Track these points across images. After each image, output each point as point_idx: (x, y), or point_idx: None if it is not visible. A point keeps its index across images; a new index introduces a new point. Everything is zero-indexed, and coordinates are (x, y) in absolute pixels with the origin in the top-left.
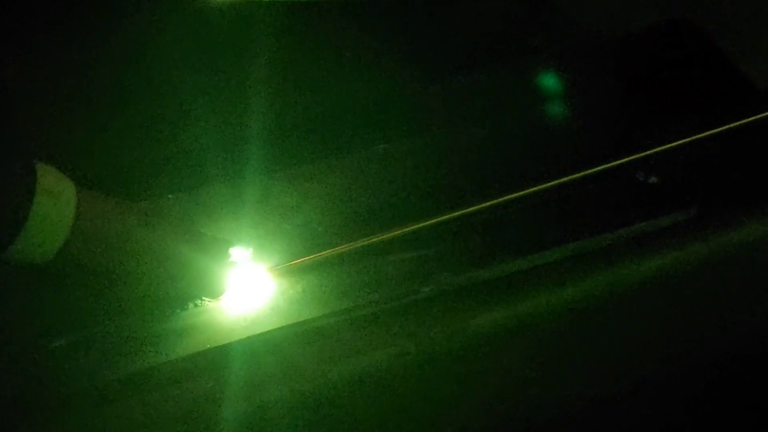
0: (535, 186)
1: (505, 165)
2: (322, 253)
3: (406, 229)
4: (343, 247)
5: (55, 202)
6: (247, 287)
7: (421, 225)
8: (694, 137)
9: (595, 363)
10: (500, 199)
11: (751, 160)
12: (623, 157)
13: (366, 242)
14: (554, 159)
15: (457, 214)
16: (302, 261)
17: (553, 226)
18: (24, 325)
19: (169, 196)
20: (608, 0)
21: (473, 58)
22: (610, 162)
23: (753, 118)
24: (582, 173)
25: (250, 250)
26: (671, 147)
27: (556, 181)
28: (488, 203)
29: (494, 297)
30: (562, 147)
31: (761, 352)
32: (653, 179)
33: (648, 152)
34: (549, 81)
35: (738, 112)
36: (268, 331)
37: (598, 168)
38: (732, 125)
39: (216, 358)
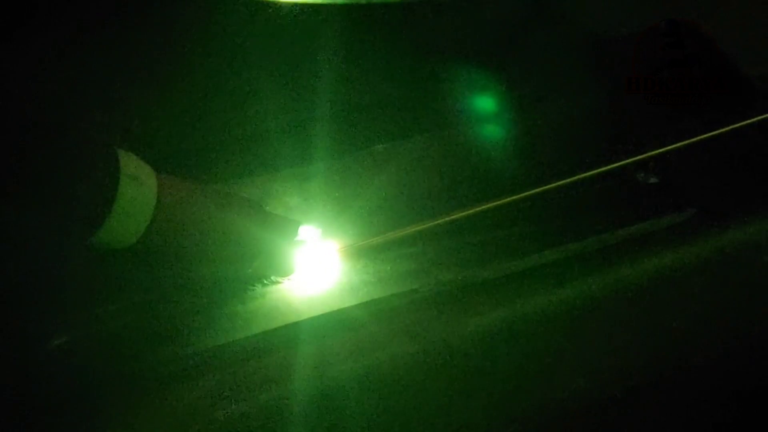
0: (535, 187)
1: (506, 165)
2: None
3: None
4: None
5: (139, 187)
6: (316, 266)
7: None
8: (694, 137)
9: (595, 363)
10: (501, 200)
11: (751, 160)
12: (623, 157)
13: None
14: (555, 159)
15: (457, 215)
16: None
17: (553, 226)
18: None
19: (241, 178)
20: (608, 0)
21: (474, 58)
22: (610, 162)
23: (753, 118)
24: (582, 174)
25: (320, 229)
26: (671, 147)
27: (557, 183)
28: (489, 204)
29: (494, 297)
30: (562, 147)
31: (761, 352)
32: (653, 179)
33: (648, 153)
34: (547, 81)
35: (738, 113)
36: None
37: (599, 168)
38: (732, 125)
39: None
